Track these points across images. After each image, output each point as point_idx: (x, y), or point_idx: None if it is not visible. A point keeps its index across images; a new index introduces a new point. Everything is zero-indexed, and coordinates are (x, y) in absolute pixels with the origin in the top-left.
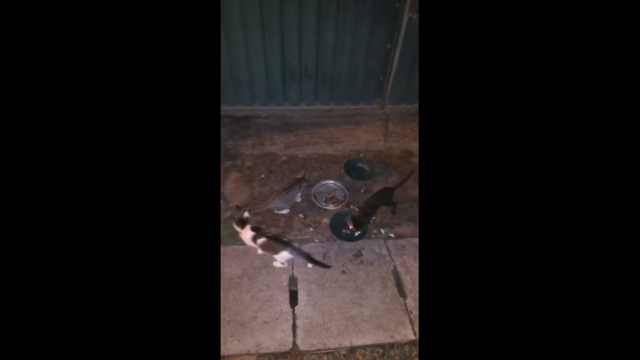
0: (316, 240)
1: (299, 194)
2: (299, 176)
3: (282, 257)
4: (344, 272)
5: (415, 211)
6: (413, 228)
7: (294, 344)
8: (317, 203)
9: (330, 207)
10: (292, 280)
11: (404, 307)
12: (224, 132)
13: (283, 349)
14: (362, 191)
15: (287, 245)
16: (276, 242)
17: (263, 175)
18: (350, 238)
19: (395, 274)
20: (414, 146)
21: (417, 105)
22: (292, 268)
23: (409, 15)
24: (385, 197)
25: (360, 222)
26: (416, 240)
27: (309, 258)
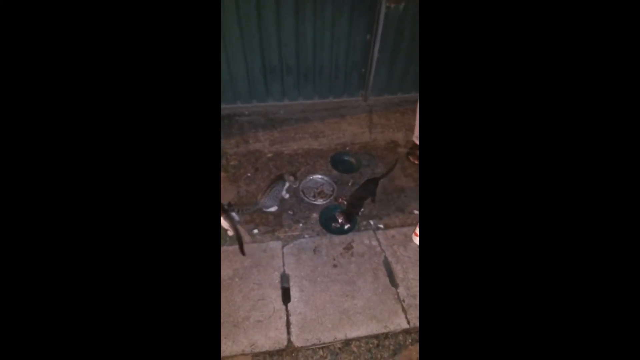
0: (306, 236)
1: (285, 189)
2: (283, 172)
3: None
4: (335, 265)
5: (403, 201)
6: (402, 218)
7: (289, 340)
8: (306, 198)
9: (319, 201)
10: (284, 277)
11: (396, 297)
12: None
13: (278, 346)
14: (349, 184)
15: (225, 213)
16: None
17: (249, 174)
18: (340, 231)
19: (386, 264)
20: (399, 136)
21: (399, 95)
22: (283, 265)
23: (387, 5)
24: (371, 188)
25: (351, 214)
26: (405, 229)
27: (239, 239)
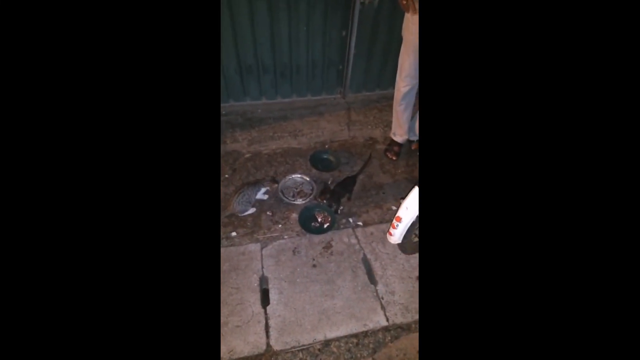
0: (286, 237)
1: (261, 192)
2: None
3: None
4: (314, 265)
5: (381, 197)
6: (380, 214)
7: (268, 344)
8: (285, 199)
9: (299, 201)
10: (263, 280)
11: (375, 294)
12: None
13: (257, 351)
14: (329, 182)
15: None
16: None
17: (227, 175)
18: (319, 231)
19: (365, 262)
20: (377, 133)
21: (377, 92)
22: (262, 267)
23: (361, 1)
24: (349, 185)
25: (325, 192)
26: (383, 226)
27: None
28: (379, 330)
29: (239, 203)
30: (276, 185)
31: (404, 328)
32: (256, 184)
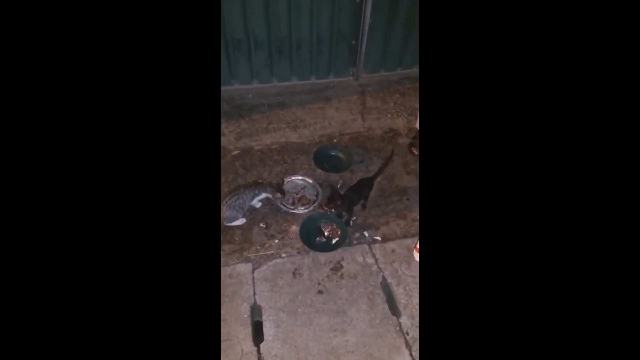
0: (284, 255)
1: (257, 199)
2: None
3: None
4: (320, 292)
5: (405, 205)
6: (404, 227)
7: None
8: (283, 206)
9: (300, 209)
10: (255, 310)
11: (397, 328)
12: None
13: None
14: (338, 186)
15: None
16: None
17: None
18: (326, 247)
19: (385, 287)
20: (399, 123)
21: (399, 71)
22: (254, 294)
23: None
24: (365, 189)
25: (333, 198)
26: (408, 242)
27: None
28: None
29: (230, 207)
30: (280, 195)
31: None
32: (256, 188)
